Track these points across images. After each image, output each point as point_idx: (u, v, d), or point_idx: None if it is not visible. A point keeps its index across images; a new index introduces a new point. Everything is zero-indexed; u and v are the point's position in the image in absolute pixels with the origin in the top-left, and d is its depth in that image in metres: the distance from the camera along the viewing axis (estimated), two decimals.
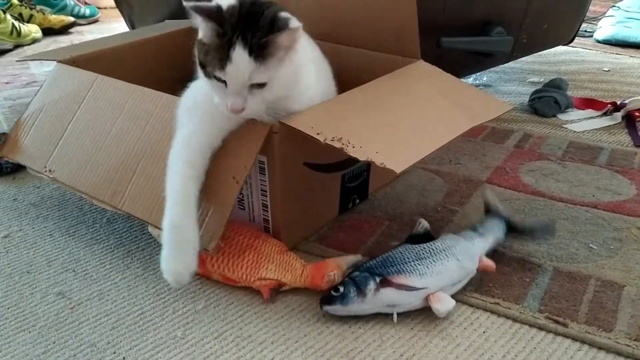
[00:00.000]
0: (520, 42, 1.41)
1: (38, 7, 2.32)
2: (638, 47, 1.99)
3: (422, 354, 0.66)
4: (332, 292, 0.70)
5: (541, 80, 1.62)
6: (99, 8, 2.61)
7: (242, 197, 0.83)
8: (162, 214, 0.69)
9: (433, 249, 0.74)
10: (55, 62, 1.00)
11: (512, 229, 0.83)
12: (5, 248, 0.87)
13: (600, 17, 2.20)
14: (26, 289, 0.78)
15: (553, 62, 1.83)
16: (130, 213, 0.77)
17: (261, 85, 0.67)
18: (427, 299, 0.70)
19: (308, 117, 0.74)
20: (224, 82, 0.67)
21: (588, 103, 1.42)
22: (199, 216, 0.70)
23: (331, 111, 0.78)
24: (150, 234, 0.86)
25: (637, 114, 1.34)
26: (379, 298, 0.69)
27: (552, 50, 1.75)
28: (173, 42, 1.13)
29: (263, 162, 0.77)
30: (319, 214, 0.90)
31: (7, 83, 1.68)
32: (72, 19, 2.37)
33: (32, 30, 2.16)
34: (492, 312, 0.72)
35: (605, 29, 2.08)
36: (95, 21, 2.55)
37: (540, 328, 0.70)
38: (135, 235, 0.89)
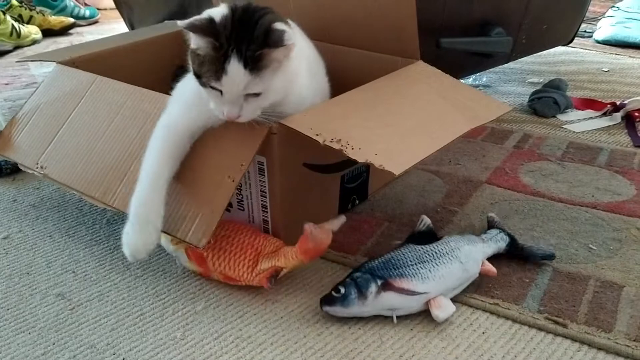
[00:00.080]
0: (520, 43, 1.41)
1: (38, 9, 2.32)
2: (637, 47, 1.99)
3: (422, 355, 0.66)
4: (333, 293, 0.70)
5: (541, 80, 1.62)
6: (98, 9, 2.61)
7: (242, 198, 0.83)
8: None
9: (436, 252, 0.74)
10: (54, 63, 1.00)
11: (513, 248, 0.82)
12: (4, 249, 0.87)
13: (599, 18, 2.20)
14: (26, 290, 0.78)
15: (552, 63, 1.83)
16: (121, 210, 0.77)
17: (256, 94, 0.68)
18: (427, 303, 0.70)
19: (307, 118, 0.74)
20: (220, 90, 0.68)
21: (587, 103, 1.42)
22: (193, 211, 0.71)
23: (330, 112, 0.78)
24: None
25: (636, 114, 1.34)
26: (379, 301, 0.69)
27: (552, 50, 1.76)
28: (173, 43, 1.13)
29: (262, 162, 0.77)
30: (318, 214, 0.90)
31: (6, 84, 1.68)
32: (71, 20, 2.38)
33: (31, 31, 2.16)
34: (492, 312, 0.72)
35: (604, 29, 2.08)
36: (95, 22, 2.55)
37: (540, 329, 0.70)
38: None
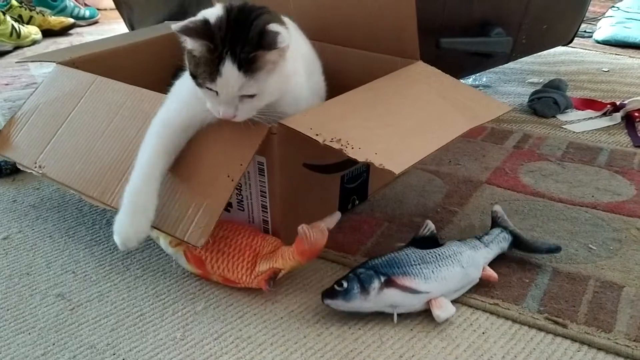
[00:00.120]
0: (520, 43, 1.41)
1: (38, 9, 2.32)
2: (637, 47, 1.99)
3: (422, 355, 0.66)
4: (336, 287, 0.70)
5: (540, 80, 1.62)
6: (98, 9, 2.61)
7: (242, 198, 0.83)
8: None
9: (439, 255, 0.74)
10: (54, 63, 1.00)
11: (518, 244, 0.82)
12: (4, 250, 0.87)
13: (599, 18, 2.20)
14: (26, 290, 0.78)
15: (552, 63, 1.83)
16: (118, 209, 0.76)
17: (252, 95, 0.69)
18: (428, 303, 0.70)
19: (307, 118, 0.74)
20: (216, 91, 0.69)
21: (587, 103, 1.42)
22: (191, 211, 0.72)
23: (330, 112, 0.78)
24: (149, 236, 0.86)
25: (636, 114, 1.34)
26: (381, 298, 0.69)
27: (552, 50, 1.76)
28: (173, 44, 1.12)
29: (262, 163, 0.77)
30: (318, 215, 0.89)
31: (6, 84, 1.68)
32: (71, 20, 2.38)
33: (31, 31, 2.16)
34: (492, 312, 0.72)
35: (604, 29, 2.08)
36: (95, 23, 2.55)
37: (540, 329, 0.70)
38: None
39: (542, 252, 0.82)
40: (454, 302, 0.72)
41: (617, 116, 1.35)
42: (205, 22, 0.68)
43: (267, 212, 0.81)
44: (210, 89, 0.69)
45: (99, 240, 0.89)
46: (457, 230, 0.90)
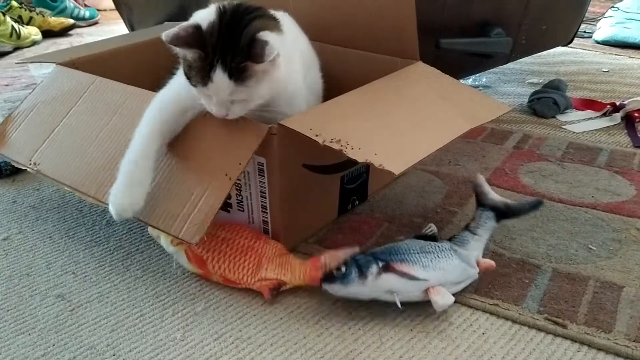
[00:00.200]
0: (519, 43, 1.41)
1: (38, 10, 2.32)
2: (637, 47, 1.99)
3: (422, 356, 0.66)
4: (334, 271, 0.70)
5: (540, 81, 1.62)
6: (98, 10, 2.61)
7: (242, 199, 0.83)
8: (148, 208, 0.72)
9: (438, 247, 0.75)
10: (54, 64, 1.00)
11: (503, 215, 0.82)
12: (4, 250, 0.87)
13: (599, 18, 2.20)
14: (26, 291, 0.78)
15: (552, 63, 1.83)
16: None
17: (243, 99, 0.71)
18: (427, 291, 0.70)
19: (307, 119, 0.75)
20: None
21: (587, 104, 1.43)
22: (187, 208, 0.71)
23: (330, 113, 0.78)
24: (150, 236, 0.86)
25: (636, 114, 1.34)
26: (379, 283, 0.70)
27: (551, 51, 1.76)
28: None
29: (262, 163, 0.77)
30: (318, 215, 0.90)
31: (6, 85, 1.68)
32: (71, 21, 2.38)
33: (31, 32, 2.16)
34: (492, 313, 0.72)
35: (604, 29, 2.08)
36: (95, 23, 2.55)
37: (540, 329, 0.70)
38: (134, 238, 0.89)
39: (527, 212, 0.83)
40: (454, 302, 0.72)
41: (617, 116, 1.35)
42: (197, 28, 0.69)
43: (267, 213, 0.81)
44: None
45: (99, 241, 0.89)
46: (457, 230, 0.89)
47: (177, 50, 0.70)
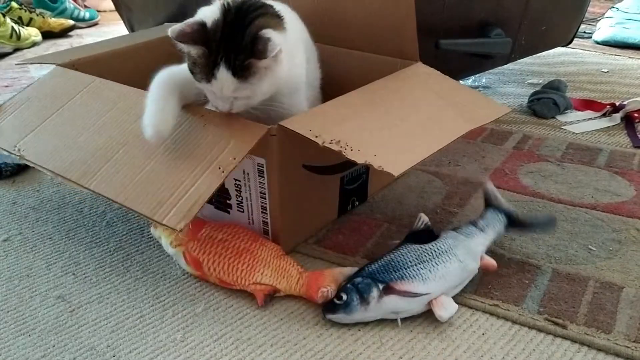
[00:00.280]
0: (519, 44, 1.41)
1: (38, 11, 2.32)
2: (637, 48, 1.99)
3: (422, 356, 0.66)
4: (335, 300, 0.70)
5: (540, 81, 1.62)
6: (98, 11, 2.62)
7: (241, 199, 0.83)
8: (133, 194, 0.71)
9: (435, 251, 0.74)
10: (54, 65, 1.00)
11: (513, 224, 0.82)
12: (4, 251, 0.87)
13: (599, 18, 2.20)
14: (26, 292, 0.78)
15: (552, 64, 1.83)
16: (97, 192, 0.75)
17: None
18: (429, 304, 0.70)
19: (307, 120, 0.75)
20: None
21: (587, 104, 1.43)
22: (175, 196, 0.70)
23: (330, 114, 0.79)
24: (152, 235, 0.86)
25: (636, 115, 1.34)
26: (382, 306, 0.69)
27: (551, 51, 1.76)
28: (173, 45, 1.13)
29: (262, 164, 0.77)
30: (318, 216, 0.90)
31: (6, 86, 1.68)
32: (71, 22, 2.38)
33: (31, 33, 2.16)
34: (491, 313, 0.72)
35: (604, 30, 2.08)
36: (95, 24, 2.55)
37: (540, 330, 0.70)
38: (134, 238, 0.89)
39: (538, 228, 0.82)
40: (453, 299, 0.71)
41: (617, 117, 1.35)
42: (202, 25, 0.70)
43: (266, 214, 0.81)
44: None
45: (99, 242, 0.89)
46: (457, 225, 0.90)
47: (182, 46, 0.71)
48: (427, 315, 0.71)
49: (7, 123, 0.92)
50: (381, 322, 0.71)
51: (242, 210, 0.84)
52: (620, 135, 1.28)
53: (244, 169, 0.79)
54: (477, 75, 1.66)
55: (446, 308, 0.69)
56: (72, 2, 2.51)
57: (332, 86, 0.94)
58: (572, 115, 1.38)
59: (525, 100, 1.45)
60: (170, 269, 0.82)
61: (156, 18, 1.48)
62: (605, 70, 1.76)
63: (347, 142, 0.70)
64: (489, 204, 0.84)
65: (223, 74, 0.69)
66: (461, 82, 1.03)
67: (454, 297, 0.72)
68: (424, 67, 0.94)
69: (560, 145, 1.22)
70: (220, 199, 0.86)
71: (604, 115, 1.38)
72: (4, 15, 2.06)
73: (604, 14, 2.19)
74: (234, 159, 0.71)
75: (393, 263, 0.72)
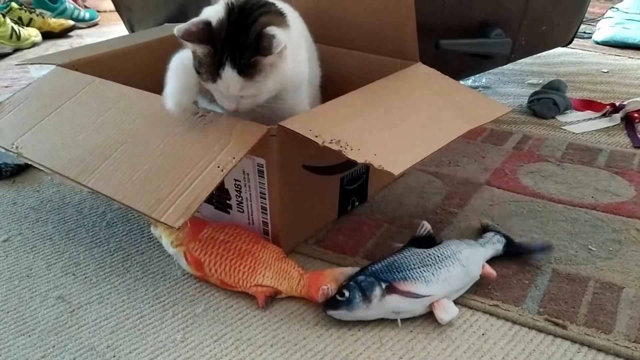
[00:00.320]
0: (519, 44, 1.41)
1: (38, 11, 2.32)
2: (637, 48, 1.99)
3: (422, 357, 0.66)
4: (337, 297, 0.70)
5: (540, 81, 1.62)
6: (98, 12, 2.62)
7: (241, 200, 0.83)
8: (132, 191, 0.71)
9: (438, 255, 0.74)
10: (54, 65, 1.00)
11: (511, 246, 0.82)
12: (5, 252, 0.87)
13: (599, 19, 2.20)
14: (26, 292, 0.78)
15: (552, 64, 1.83)
16: (95, 190, 0.74)
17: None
18: (431, 306, 0.70)
19: (307, 120, 0.75)
20: None
21: (587, 104, 1.43)
22: (174, 194, 0.70)
23: (330, 114, 0.79)
24: (150, 237, 0.86)
25: (636, 115, 1.34)
26: (384, 305, 0.69)
27: (551, 51, 1.76)
28: (173, 46, 1.13)
29: (262, 164, 0.77)
30: (318, 216, 0.90)
31: (6, 87, 1.68)
32: (71, 22, 2.38)
33: (31, 34, 2.16)
34: (491, 314, 0.72)
35: (604, 30, 2.09)
36: (95, 25, 2.55)
37: (540, 330, 0.70)
38: (134, 239, 0.89)
39: (535, 252, 0.82)
40: (454, 302, 0.72)
41: (617, 117, 1.35)
42: (207, 24, 0.70)
43: (266, 214, 0.81)
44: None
45: (99, 242, 0.89)
46: (456, 231, 0.90)
47: (189, 45, 0.72)
48: (427, 316, 0.71)
49: (6, 121, 0.92)
50: (381, 322, 0.71)
51: (242, 210, 0.84)
52: (620, 136, 1.28)
53: (243, 169, 0.79)
54: (477, 76, 1.66)
55: (447, 311, 0.69)
56: (72, 2, 2.52)
57: (332, 86, 0.94)
58: (572, 116, 1.38)
59: (525, 100, 1.45)
60: (170, 269, 0.82)
61: (156, 18, 1.48)
62: (605, 71, 1.77)
63: (347, 142, 0.70)
64: (488, 229, 0.86)
65: (228, 73, 0.70)
66: (461, 82, 1.02)
67: (454, 300, 0.72)
68: (424, 67, 0.94)
69: (560, 145, 1.22)
70: (220, 199, 0.86)
71: (604, 115, 1.38)
72: (4, 16, 2.06)
73: (604, 14, 2.19)
74: (234, 158, 0.71)
75: (397, 264, 0.73)
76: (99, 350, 0.68)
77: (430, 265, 0.72)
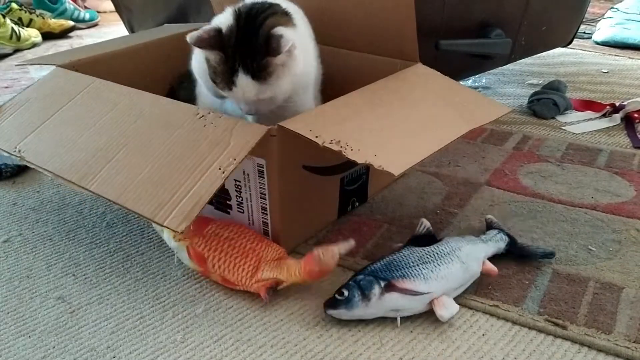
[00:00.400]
0: (519, 44, 1.41)
1: (38, 12, 2.33)
2: (637, 48, 1.99)
3: (422, 357, 0.66)
4: (337, 296, 0.70)
5: (540, 82, 1.62)
6: (98, 12, 2.62)
7: (241, 200, 0.83)
8: (134, 195, 0.71)
9: (437, 253, 0.74)
10: (54, 66, 1.00)
11: (513, 246, 0.82)
12: (5, 252, 0.87)
13: (599, 19, 2.20)
14: (26, 293, 0.78)
15: (552, 64, 1.83)
16: (98, 194, 0.74)
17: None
18: (431, 303, 0.70)
19: (307, 120, 0.75)
20: None
21: (587, 105, 1.43)
22: (176, 197, 0.70)
23: (330, 114, 0.79)
24: (152, 236, 0.86)
25: (636, 115, 1.34)
26: (383, 303, 0.69)
27: (551, 52, 1.76)
28: (172, 46, 1.13)
29: (262, 165, 0.77)
30: (318, 217, 0.90)
31: (6, 87, 1.68)
32: (71, 23, 2.38)
33: (31, 34, 2.16)
34: (491, 314, 0.72)
35: (604, 30, 2.09)
36: (95, 25, 2.55)
37: (540, 330, 0.70)
38: (134, 239, 0.89)
39: (537, 257, 0.82)
40: (455, 301, 0.72)
41: (617, 117, 1.35)
42: (218, 31, 0.73)
43: (266, 214, 0.81)
44: None
45: (99, 242, 0.89)
46: (456, 231, 0.90)
47: (200, 52, 0.74)
48: (428, 316, 0.71)
49: (7, 124, 0.92)
50: (381, 322, 0.71)
51: (242, 210, 0.84)
52: (620, 136, 1.28)
53: (244, 170, 0.79)
54: (477, 76, 1.66)
55: (447, 308, 0.69)
56: (72, 3, 2.52)
57: (332, 86, 0.94)
58: (572, 116, 1.38)
59: (525, 100, 1.46)
60: (170, 270, 0.82)
61: (156, 19, 1.48)
62: (605, 71, 1.77)
63: (347, 142, 0.71)
64: (492, 226, 0.86)
65: (242, 80, 0.72)
66: (461, 82, 1.03)
67: (454, 298, 0.72)
68: (423, 67, 0.94)
69: (560, 145, 1.22)
70: (220, 199, 0.86)
71: (604, 115, 1.38)
72: (4, 16, 2.06)
73: (603, 14, 2.19)
74: (234, 159, 0.71)
75: (395, 262, 0.73)
76: (99, 351, 0.68)
77: (429, 262, 0.72)
